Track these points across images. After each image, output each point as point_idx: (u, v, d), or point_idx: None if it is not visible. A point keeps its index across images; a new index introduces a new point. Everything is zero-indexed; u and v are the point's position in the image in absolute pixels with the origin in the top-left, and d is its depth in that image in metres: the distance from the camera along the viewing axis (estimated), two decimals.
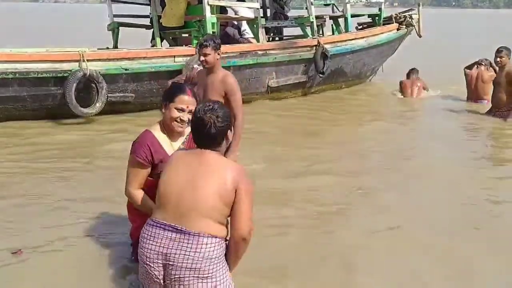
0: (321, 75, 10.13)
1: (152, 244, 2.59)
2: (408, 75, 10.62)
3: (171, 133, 3.15)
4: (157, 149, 3.09)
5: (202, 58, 4.60)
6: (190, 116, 2.95)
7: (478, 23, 51.45)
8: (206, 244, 2.53)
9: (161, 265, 2.57)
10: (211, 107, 2.66)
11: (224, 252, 2.63)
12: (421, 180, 5.49)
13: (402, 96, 10.42)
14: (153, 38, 10.50)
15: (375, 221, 4.36)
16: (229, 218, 2.66)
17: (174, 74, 8.32)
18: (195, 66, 7.41)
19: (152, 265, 2.58)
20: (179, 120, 3.08)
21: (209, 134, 2.63)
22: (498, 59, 8.20)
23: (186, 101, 3.07)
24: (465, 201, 4.90)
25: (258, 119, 7.92)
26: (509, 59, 8.17)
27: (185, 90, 3.11)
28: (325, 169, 5.77)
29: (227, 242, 2.66)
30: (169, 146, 3.14)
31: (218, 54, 4.58)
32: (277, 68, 9.57)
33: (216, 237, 2.56)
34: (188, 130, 3.12)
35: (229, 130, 2.70)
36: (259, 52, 9.39)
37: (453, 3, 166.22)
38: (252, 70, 9.31)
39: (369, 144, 7.07)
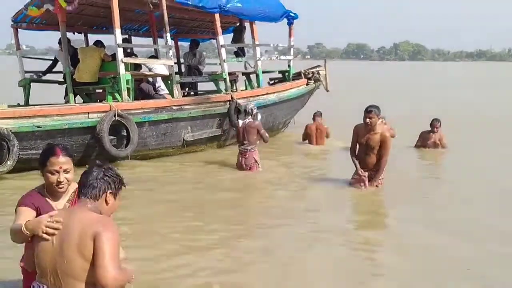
0: (235, 128, 10.42)
1: None
2: (313, 119, 11.18)
3: (54, 195, 3.06)
4: (42, 204, 3.01)
5: None
6: (67, 176, 2.98)
7: (384, 74, 54.65)
8: None
9: None
10: (106, 166, 2.80)
11: None
12: None
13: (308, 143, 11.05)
14: (66, 94, 10.50)
15: None
16: None
17: (89, 130, 8.38)
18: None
19: None
20: (56, 183, 2.99)
21: (91, 184, 2.69)
22: (368, 119, 7.08)
23: (58, 163, 2.97)
24: None
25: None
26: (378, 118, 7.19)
27: (54, 152, 2.98)
28: None
29: None
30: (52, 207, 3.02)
31: None
32: (192, 123, 9.81)
33: None
34: (73, 187, 3.08)
35: None
36: (174, 107, 9.61)
37: (362, 56, 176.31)
38: (167, 125, 9.49)
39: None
